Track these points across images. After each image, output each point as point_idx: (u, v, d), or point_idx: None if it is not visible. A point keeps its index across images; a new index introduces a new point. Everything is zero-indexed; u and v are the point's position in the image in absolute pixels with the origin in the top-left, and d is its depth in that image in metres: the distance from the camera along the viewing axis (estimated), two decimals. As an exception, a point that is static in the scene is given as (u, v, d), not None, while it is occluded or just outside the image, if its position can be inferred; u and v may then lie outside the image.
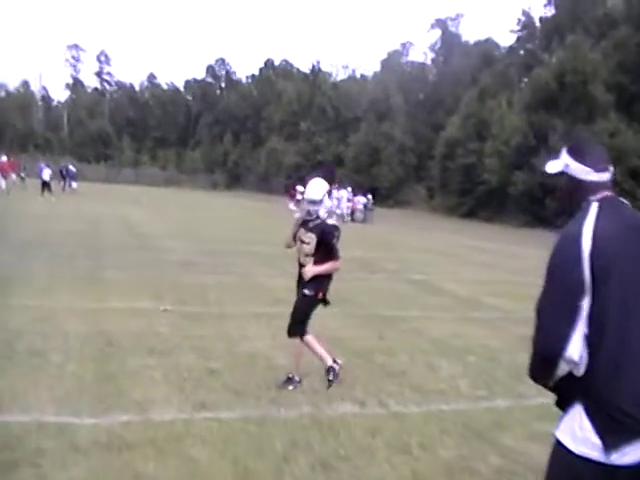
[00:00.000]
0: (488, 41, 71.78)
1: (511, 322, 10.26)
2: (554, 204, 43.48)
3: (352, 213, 39.86)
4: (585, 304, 2.17)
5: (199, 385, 5.76)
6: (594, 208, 2.29)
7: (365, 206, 39.97)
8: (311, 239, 6.04)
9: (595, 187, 2.37)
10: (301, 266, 6.12)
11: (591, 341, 2.19)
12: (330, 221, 6.28)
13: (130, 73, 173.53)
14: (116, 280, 10.90)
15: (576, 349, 2.18)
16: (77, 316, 8.04)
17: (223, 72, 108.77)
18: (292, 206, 40.18)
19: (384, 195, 60.73)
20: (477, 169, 51.28)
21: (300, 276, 6.14)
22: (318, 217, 6.12)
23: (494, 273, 17.35)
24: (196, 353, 6.79)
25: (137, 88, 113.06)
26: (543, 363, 2.32)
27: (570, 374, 2.25)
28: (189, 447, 4.41)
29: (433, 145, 60.47)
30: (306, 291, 6.03)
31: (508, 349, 8.33)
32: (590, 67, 44.45)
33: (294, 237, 6.23)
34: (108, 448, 4.27)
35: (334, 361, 6.15)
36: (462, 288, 13.52)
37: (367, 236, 27.51)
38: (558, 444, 2.31)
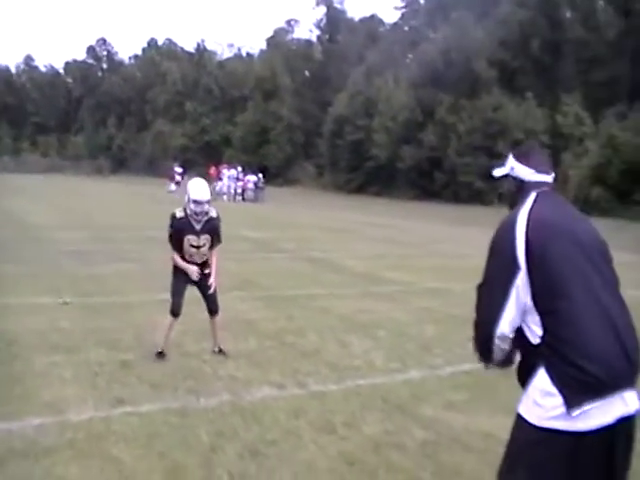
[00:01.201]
0: (373, 18, 72.71)
1: (412, 294, 10.55)
2: (442, 177, 44.98)
3: (243, 192, 39.67)
4: (521, 280, 2.34)
5: (112, 380, 5.55)
6: (531, 197, 2.52)
7: (256, 185, 39.85)
8: (207, 240, 6.29)
9: (536, 186, 2.59)
10: (197, 264, 6.31)
11: (543, 310, 2.32)
12: (213, 212, 6.37)
13: (5, 55, 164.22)
14: (9, 275, 10.34)
15: (507, 325, 2.37)
16: (-30, 316, 7.59)
17: (104, 53, 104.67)
18: (172, 187, 39.87)
19: (273, 174, 60.71)
20: (365, 145, 52.04)
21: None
22: (206, 214, 6.25)
23: (388, 247, 17.71)
24: (104, 346, 6.56)
25: (13, 71, 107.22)
26: (481, 340, 2.50)
27: (529, 344, 2.38)
28: (111, 446, 4.24)
29: (321, 123, 60.85)
30: (213, 282, 6.42)
31: (414, 321, 8.55)
32: (473, 44, 45.86)
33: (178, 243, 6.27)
34: (25, 455, 4.04)
35: None
36: (360, 264, 13.72)
37: (260, 216, 27.46)
38: (520, 419, 2.36)
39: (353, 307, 9.27)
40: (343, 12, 77.01)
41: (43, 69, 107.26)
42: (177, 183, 40.62)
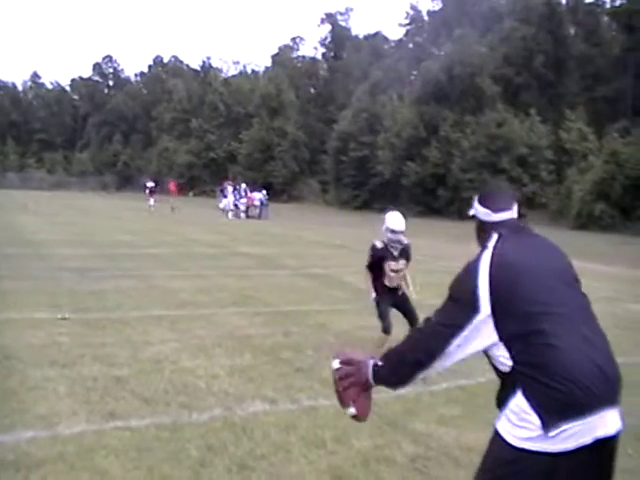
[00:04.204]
0: (377, 35, 73.28)
1: (412, 311, 10.53)
2: (446, 194, 45.05)
3: (247, 209, 39.77)
4: (479, 323, 2.39)
5: (106, 394, 5.60)
6: (493, 240, 2.61)
7: (261, 202, 39.99)
8: (403, 264, 7.23)
9: (496, 225, 2.70)
10: (393, 288, 7.28)
11: (513, 343, 2.36)
12: (405, 240, 7.25)
13: (12, 72, 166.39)
14: (10, 291, 10.43)
15: (444, 362, 2.47)
16: (-31, 330, 7.65)
17: (111, 70, 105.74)
18: (151, 202, 40.25)
19: (278, 190, 61.11)
20: (370, 162, 52.27)
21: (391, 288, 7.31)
22: (400, 243, 7.15)
23: (392, 263, 17.69)
24: (100, 362, 6.61)
25: (20, 88, 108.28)
26: (411, 364, 2.55)
27: (501, 372, 2.44)
28: (101, 459, 4.28)
29: (326, 140, 61.19)
30: (406, 292, 7.43)
31: (411, 337, 8.54)
32: (477, 60, 46.13)
33: (373, 267, 7.22)
34: (16, 467, 4.09)
35: None
36: (361, 280, 13.70)
37: (263, 232, 27.51)
38: (498, 437, 2.38)
39: (351, 323, 9.31)
40: (348, 30, 77.65)
41: (49, 86, 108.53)
42: (155, 200, 41.20)
